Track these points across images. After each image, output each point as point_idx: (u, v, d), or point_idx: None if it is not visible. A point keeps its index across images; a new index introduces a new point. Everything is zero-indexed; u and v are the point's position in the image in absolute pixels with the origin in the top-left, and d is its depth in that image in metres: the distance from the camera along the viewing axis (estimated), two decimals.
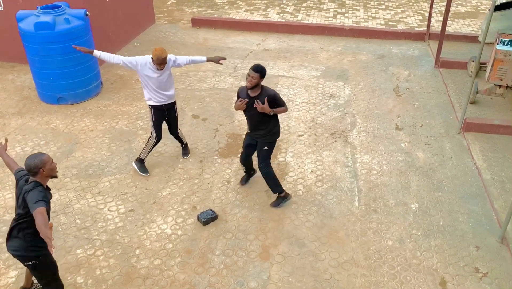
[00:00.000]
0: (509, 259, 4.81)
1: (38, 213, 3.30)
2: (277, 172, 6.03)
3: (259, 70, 4.79)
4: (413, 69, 9.06)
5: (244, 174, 5.84)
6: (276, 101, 4.95)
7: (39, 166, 3.49)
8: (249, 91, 4.92)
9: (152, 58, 5.34)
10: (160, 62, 5.30)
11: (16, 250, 3.72)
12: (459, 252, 4.87)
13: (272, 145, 5.22)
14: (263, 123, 5.04)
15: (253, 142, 5.30)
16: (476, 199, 5.63)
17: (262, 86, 4.93)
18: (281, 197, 5.44)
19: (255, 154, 5.39)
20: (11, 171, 3.89)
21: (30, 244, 3.67)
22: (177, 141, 6.59)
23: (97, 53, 5.44)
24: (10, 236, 3.73)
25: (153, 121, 5.75)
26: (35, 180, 3.53)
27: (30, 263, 3.75)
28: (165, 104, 5.70)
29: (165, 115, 5.81)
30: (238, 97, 5.07)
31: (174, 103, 5.83)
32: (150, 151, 5.91)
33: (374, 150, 6.54)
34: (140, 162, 5.94)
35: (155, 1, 12.16)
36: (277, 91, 5.07)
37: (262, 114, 4.95)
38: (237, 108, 5.01)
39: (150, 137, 5.87)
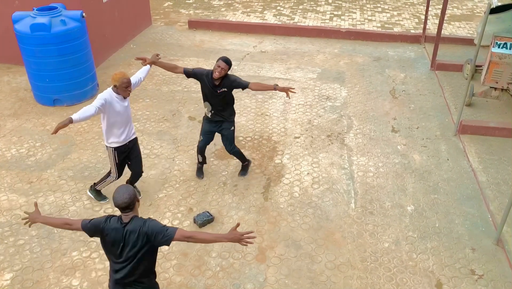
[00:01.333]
0: (504, 261, 4.82)
1: (185, 232, 3.20)
2: (274, 174, 6.04)
3: (230, 63, 5.20)
4: (409, 71, 9.09)
5: (199, 166, 5.98)
6: (238, 83, 5.34)
7: (135, 196, 3.24)
8: (214, 80, 5.24)
9: (114, 86, 4.76)
10: (127, 85, 4.74)
11: None
12: (455, 254, 4.88)
13: (234, 124, 5.66)
14: (227, 106, 5.47)
15: (213, 129, 5.62)
16: (472, 201, 5.65)
17: (226, 74, 5.28)
18: (246, 165, 5.98)
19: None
20: (71, 230, 3.48)
21: (152, 281, 3.48)
22: (173, 144, 6.59)
23: (75, 117, 4.56)
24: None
25: (116, 163, 5.20)
26: (133, 214, 3.24)
27: None
28: (129, 141, 5.15)
29: (127, 155, 5.24)
30: (198, 76, 5.33)
31: (136, 137, 5.33)
32: (107, 185, 5.43)
33: (371, 152, 6.55)
34: (96, 191, 5.49)
35: (151, 2, 12.16)
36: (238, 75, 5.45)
37: (225, 100, 5.38)
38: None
39: (110, 174, 5.33)
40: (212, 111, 5.48)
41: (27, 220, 3.49)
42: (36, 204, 3.63)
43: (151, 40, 10.42)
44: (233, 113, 5.62)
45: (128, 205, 3.19)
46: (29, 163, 6.16)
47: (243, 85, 5.33)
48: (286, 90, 5.30)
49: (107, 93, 4.79)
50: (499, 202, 5.61)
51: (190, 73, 5.35)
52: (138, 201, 3.30)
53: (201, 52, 9.71)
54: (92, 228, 3.30)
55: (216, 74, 5.15)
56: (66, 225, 3.41)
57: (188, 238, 3.21)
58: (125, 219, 3.23)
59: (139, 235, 3.17)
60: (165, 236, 3.16)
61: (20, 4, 8.18)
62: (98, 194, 5.51)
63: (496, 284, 4.55)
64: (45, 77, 7.32)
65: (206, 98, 5.44)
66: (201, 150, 5.83)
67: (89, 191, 5.55)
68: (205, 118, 5.64)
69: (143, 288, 3.40)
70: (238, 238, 3.17)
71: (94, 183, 5.49)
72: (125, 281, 3.32)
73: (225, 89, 5.30)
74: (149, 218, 3.29)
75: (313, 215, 5.38)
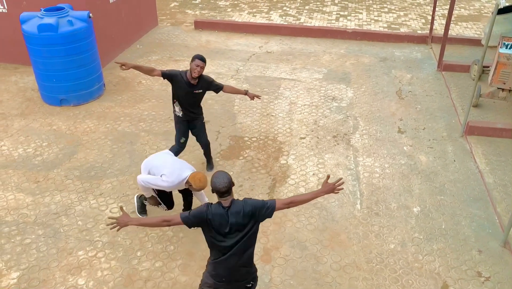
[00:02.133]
0: (511, 263, 4.78)
1: (284, 200, 3.35)
2: (279, 175, 6.03)
3: (205, 60, 5.24)
4: (415, 72, 9.05)
5: None
6: (215, 86, 5.55)
7: (232, 180, 3.29)
8: (191, 80, 5.31)
9: (191, 184, 4.57)
10: (200, 190, 4.66)
11: (254, 278, 3.51)
12: (461, 256, 4.85)
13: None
14: (198, 105, 5.65)
15: (187, 126, 5.76)
16: (478, 202, 5.61)
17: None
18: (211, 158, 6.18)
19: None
20: (169, 225, 3.44)
21: (255, 267, 3.51)
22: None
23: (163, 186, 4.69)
24: (240, 271, 3.40)
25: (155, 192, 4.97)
26: (232, 198, 3.27)
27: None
28: None
29: None
30: (173, 77, 5.34)
31: None
32: (155, 206, 5.20)
33: (377, 153, 6.53)
34: (142, 203, 5.28)
35: (158, 3, 12.20)
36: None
37: (199, 100, 5.57)
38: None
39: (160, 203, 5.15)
40: (182, 112, 5.58)
41: (115, 224, 3.37)
42: (122, 208, 3.50)
43: (157, 40, 10.45)
44: (201, 109, 5.75)
45: (228, 189, 3.22)
46: (36, 163, 6.20)
47: (219, 88, 5.59)
48: (253, 97, 5.73)
49: (176, 181, 4.61)
50: (506, 203, 5.57)
51: (166, 75, 5.37)
52: (233, 184, 3.33)
53: (207, 53, 9.72)
54: (194, 219, 3.28)
55: (195, 74, 5.22)
56: (164, 222, 3.39)
57: (289, 204, 3.34)
58: (225, 204, 3.25)
59: (244, 216, 3.23)
60: (268, 208, 3.26)
61: (27, 5, 8.23)
62: (141, 207, 5.28)
63: (503, 286, 4.52)
64: (52, 77, 7.36)
65: (177, 98, 5.50)
66: (181, 148, 5.88)
67: (136, 196, 5.33)
68: (178, 118, 5.68)
69: (248, 276, 3.45)
70: (331, 188, 3.31)
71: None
72: (236, 266, 3.35)
73: (202, 90, 5.43)
74: (245, 198, 3.35)
75: (319, 215, 5.37)
